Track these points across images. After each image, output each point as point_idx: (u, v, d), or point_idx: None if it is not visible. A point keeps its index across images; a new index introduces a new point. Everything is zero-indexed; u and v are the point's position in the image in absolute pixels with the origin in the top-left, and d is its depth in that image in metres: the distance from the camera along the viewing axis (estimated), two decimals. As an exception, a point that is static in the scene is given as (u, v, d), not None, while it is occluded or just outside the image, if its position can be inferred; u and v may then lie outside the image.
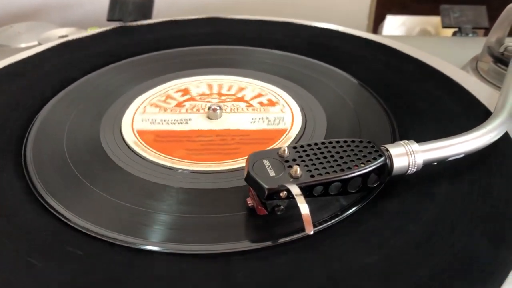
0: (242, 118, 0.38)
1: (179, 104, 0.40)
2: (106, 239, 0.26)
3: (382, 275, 0.23)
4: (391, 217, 0.27)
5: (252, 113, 0.38)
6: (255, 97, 0.41)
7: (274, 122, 0.37)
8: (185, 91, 0.42)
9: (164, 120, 0.38)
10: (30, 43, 0.61)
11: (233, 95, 0.41)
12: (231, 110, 0.39)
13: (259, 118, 0.37)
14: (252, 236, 0.27)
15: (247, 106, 0.39)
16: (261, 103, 0.40)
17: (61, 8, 0.81)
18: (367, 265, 0.24)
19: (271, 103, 0.39)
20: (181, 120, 0.38)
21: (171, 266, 0.24)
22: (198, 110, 0.39)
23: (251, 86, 0.42)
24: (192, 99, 0.41)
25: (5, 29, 0.66)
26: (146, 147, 0.34)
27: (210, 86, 0.43)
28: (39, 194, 0.29)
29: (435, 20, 0.79)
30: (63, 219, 0.27)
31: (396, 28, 0.83)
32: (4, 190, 0.30)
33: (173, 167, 0.32)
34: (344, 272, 0.24)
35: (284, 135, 0.35)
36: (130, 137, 0.36)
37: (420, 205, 0.28)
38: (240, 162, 0.32)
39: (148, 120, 0.38)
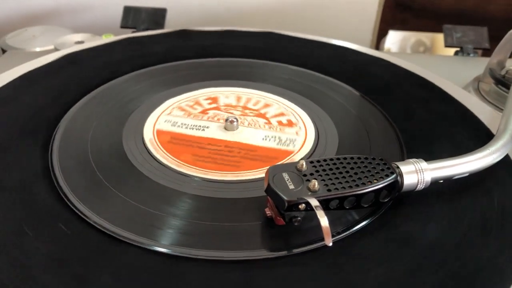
0: (256, 134, 0.39)
1: (204, 111, 0.42)
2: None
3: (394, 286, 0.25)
4: (401, 230, 0.29)
5: (267, 130, 0.40)
6: (277, 115, 0.42)
7: (284, 142, 0.38)
8: (214, 100, 0.44)
9: (184, 124, 0.40)
10: (45, 47, 0.62)
11: (257, 110, 0.43)
12: (249, 124, 0.40)
13: (272, 137, 0.39)
14: (270, 245, 0.28)
15: (265, 123, 0.41)
16: (279, 122, 0.41)
17: (73, 13, 0.82)
18: (381, 276, 0.26)
19: (290, 123, 0.41)
20: (199, 126, 0.40)
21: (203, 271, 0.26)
22: (218, 119, 0.41)
23: (277, 104, 0.44)
24: (217, 108, 0.43)
25: (20, 32, 0.67)
26: (158, 146, 0.37)
27: (238, 98, 0.44)
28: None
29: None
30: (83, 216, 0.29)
31: (396, 42, 0.85)
32: (33, 195, 0.31)
33: (187, 174, 0.34)
34: (359, 283, 0.25)
35: (288, 157, 0.37)
36: (148, 135, 0.38)
37: (426, 221, 0.30)
38: (237, 176, 0.34)
39: (170, 121, 0.40)
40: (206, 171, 0.34)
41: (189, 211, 0.30)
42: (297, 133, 0.39)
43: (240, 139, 0.38)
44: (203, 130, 0.39)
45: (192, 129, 0.39)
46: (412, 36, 0.83)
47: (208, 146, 0.37)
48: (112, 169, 0.34)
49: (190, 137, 0.38)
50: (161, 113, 0.42)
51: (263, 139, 0.38)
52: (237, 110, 0.42)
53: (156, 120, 0.40)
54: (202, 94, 0.45)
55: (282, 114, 0.42)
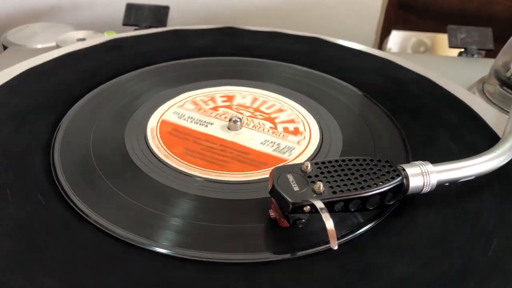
0: (257, 137, 0.38)
1: (215, 108, 0.42)
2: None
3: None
4: (407, 232, 0.29)
5: (269, 135, 0.39)
6: (286, 122, 0.41)
7: (281, 150, 0.37)
8: (229, 98, 0.44)
9: (190, 118, 0.40)
10: (46, 44, 0.62)
11: (267, 114, 0.42)
12: (253, 126, 0.40)
13: (271, 142, 0.38)
14: (275, 247, 0.28)
15: (271, 127, 0.40)
16: (285, 129, 0.40)
17: (74, 10, 0.82)
18: (387, 278, 0.25)
19: (295, 132, 0.39)
20: (204, 122, 0.40)
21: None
22: (225, 118, 0.40)
23: (291, 111, 0.43)
24: (229, 107, 0.42)
25: (21, 28, 0.67)
26: (156, 136, 0.38)
27: (254, 100, 0.44)
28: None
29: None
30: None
31: (398, 43, 0.85)
32: (32, 189, 0.31)
33: (190, 174, 0.34)
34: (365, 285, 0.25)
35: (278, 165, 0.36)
36: (152, 123, 0.39)
37: (432, 223, 0.30)
38: (223, 176, 0.34)
39: (178, 113, 0.41)
40: (189, 166, 0.34)
41: (188, 210, 0.30)
42: (299, 142, 0.38)
43: (239, 140, 0.38)
44: (206, 126, 0.39)
45: (196, 123, 0.39)
46: (412, 36, 0.83)
47: (204, 142, 0.37)
48: (107, 158, 0.35)
49: (191, 131, 0.38)
50: (173, 104, 0.42)
51: (261, 143, 0.38)
52: (248, 111, 0.42)
53: (166, 111, 0.41)
54: (221, 91, 0.45)
55: (291, 121, 0.41)
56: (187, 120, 0.40)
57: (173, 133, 0.38)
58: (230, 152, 0.36)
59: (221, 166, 0.35)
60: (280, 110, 0.43)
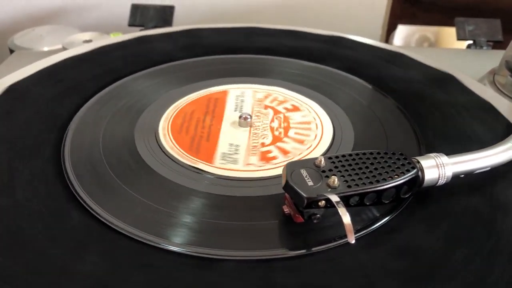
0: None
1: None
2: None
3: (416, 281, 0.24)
4: (423, 225, 0.28)
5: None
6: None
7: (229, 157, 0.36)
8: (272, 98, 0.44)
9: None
10: (53, 47, 0.62)
11: (285, 126, 0.39)
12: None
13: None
14: (290, 243, 0.28)
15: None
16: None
17: (80, 12, 0.82)
18: (399, 271, 0.25)
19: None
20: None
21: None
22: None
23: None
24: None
25: (28, 32, 0.67)
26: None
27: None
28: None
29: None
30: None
31: (404, 38, 0.84)
32: (44, 188, 0.31)
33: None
34: (379, 279, 0.25)
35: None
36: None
37: (447, 216, 0.29)
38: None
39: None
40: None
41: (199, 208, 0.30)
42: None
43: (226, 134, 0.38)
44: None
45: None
46: (416, 32, 0.82)
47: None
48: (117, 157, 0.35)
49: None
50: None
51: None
52: (268, 111, 0.42)
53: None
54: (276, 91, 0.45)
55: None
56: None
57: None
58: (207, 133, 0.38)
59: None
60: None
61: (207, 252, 0.26)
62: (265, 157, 0.35)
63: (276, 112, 0.41)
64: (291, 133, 0.38)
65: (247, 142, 0.37)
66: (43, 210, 0.29)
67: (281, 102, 0.43)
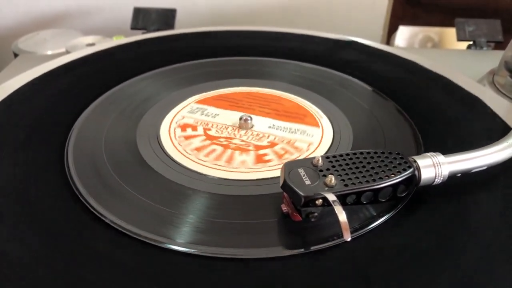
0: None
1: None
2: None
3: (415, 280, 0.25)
4: (420, 224, 0.29)
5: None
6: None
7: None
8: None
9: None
10: (56, 50, 0.63)
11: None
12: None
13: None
14: (288, 242, 0.28)
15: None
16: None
17: (82, 16, 0.83)
18: (400, 269, 0.25)
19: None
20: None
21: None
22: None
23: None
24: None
25: (32, 36, 0.68)
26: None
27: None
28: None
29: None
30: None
31: (406, 39, 0.85)
32: (49, 191, 0.31)
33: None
34: (379, 277, 0.25)
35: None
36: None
37: (446, 214, 0.29)
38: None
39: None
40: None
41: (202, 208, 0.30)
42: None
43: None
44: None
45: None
46: (420, 32, 0.82)
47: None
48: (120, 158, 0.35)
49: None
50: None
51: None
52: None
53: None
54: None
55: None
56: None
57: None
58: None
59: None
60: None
61: (204, 250, 0.27)
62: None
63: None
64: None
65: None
66: (45, 210, 0.29)
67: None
